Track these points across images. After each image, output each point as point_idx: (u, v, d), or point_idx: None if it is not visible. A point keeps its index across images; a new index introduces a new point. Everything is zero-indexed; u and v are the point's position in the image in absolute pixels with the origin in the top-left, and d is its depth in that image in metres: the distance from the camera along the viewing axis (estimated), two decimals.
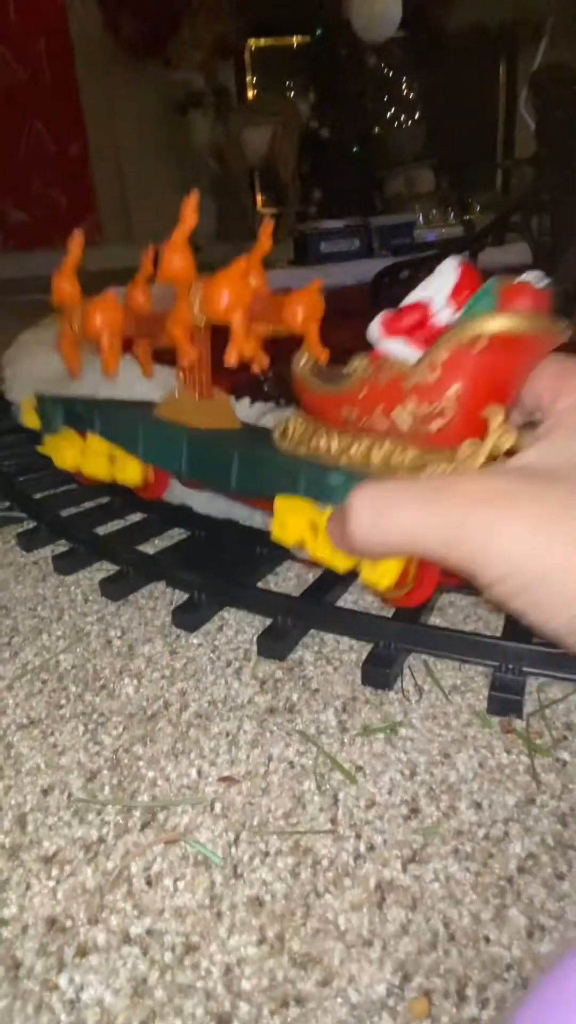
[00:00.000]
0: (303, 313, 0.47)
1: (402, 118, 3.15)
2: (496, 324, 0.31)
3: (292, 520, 0.42)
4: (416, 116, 3.13)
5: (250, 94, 3.20)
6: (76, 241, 0.53)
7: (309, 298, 0.48)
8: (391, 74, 3.03)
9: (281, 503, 0.43)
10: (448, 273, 0.37)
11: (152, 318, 0.52)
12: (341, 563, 0.40)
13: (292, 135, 2.89)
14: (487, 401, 0.34)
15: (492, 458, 0.33)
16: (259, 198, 3.22)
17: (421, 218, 2.27)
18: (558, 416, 0.27)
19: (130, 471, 0.53)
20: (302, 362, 0.41)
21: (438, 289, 0.37)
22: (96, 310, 0.50)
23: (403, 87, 3.05)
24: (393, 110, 3.07)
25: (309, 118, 2.91)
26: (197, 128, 2.91)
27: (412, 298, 0.38)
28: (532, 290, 0.31)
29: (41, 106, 3.12)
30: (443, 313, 0.37)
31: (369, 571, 0.39)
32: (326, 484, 0.39)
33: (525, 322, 0.30)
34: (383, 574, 0.38)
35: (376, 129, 3.13)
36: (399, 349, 0.37)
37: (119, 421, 0.53)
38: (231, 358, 0.44)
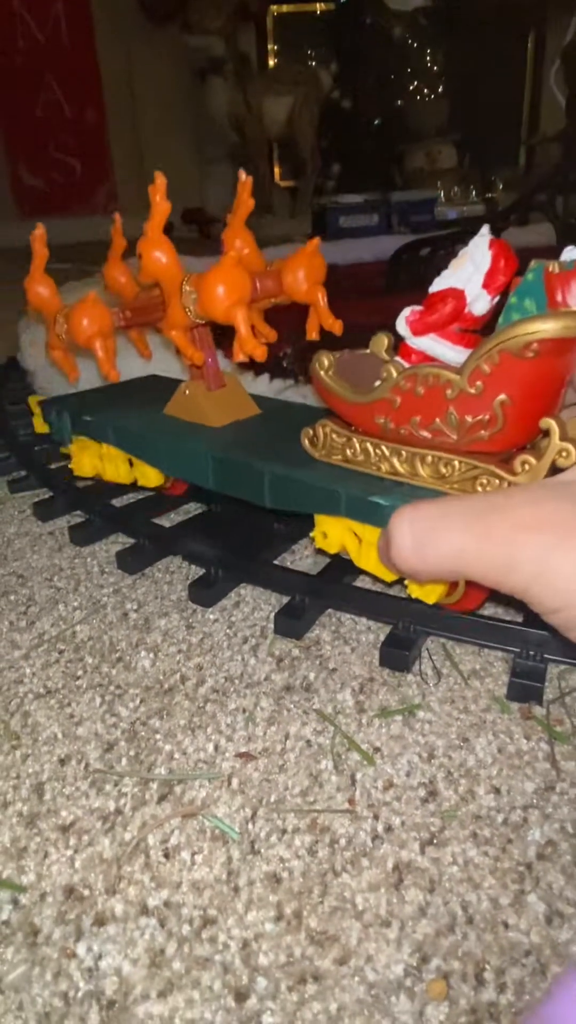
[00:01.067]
0: (305, 278, 0.45)
1: (425, 91, 3.09)
2: (551, 327, 0.28)
3: (333, 530, 0.41)
4: (440, 89, 3.07)
5: (271, 62, 3.13)
6: (40, 238, 0.50)
7: (309, 260, 0.45)
8: (415, 45, 2.96)
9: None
10: (480, 256, 0.33)
11: (142, 307, 0.50)
12: (387, 575, 0.39)
13: (313, 106, 2.84)
14: (538, 404, 0.32)
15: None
16: (277, 170, 3.17)
17: (442, 195, 2.23)
18: None
19: (151, 474, 0.53)
20: (324, 366, 0.39)
21: (470, 275, 0.34)
22: (82, 315, 0.47)
23: (427, 59, 2.98)
24: (416, 82, 3.01)
25: (331, 89, 2.85)
26: (216, 96, 2.85)
27: (441, 284, 0.35)
28: None
29: (58, 69, 3.07)
30: (479, 303, 0.34)
31: (415, 586, 0.38)
32: (371, 506, 0.37)
33: None
34: (429, 591, 0.37)
35: (399, 102, 3.06)
36: (431, 346, 0.35)
37: (136, 433, 0.51)
38: (238, 357, 0.42)
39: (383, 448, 0.38)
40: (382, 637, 0.44)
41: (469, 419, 0.34)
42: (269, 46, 3.14)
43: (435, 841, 0.31)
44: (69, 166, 3.27)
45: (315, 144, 2.83)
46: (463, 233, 1.55)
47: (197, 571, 0.52)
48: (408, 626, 0.42)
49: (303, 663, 0.42)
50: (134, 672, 0.42)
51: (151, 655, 0.44)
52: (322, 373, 0.39)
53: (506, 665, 0.41)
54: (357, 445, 0.39)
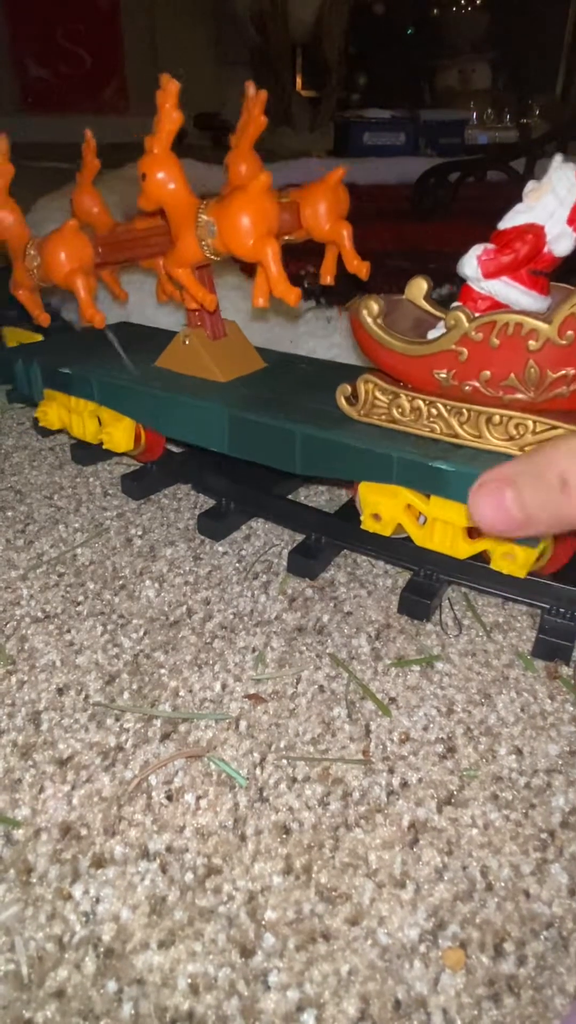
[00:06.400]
0: (328, 213, 0.39)
1: (463, 1, 2.88)
2: None
3: (386, 508, 0.37)
4: (478, 1, 2.86)
5: None
6: (2, 150, 0.43)
7: (332, 192, 0.39)
8: None
9: (367, 487, 0.37)
10: (566, 187, 0.29)
11: (120, 242, 0.44)
12: (464, 550, 0.36)
13: (342, 7, 2.64)
14: None
15: None
16: (298, 78, 2.97)
17: (474, 117, 2.10)
18: None
19: (119, 438, 0.46)
20: (374, 312, 0.34)
21: (553, 210, 0.30)
22: (60, 248, 0.41)
23: None
24: None
25: None
26: None
27: (516, 219, 0.31)
28: None
29: None
30: (563, 241, 0.30)
31: (507, 564, 0.35)
32: (432, 472, 0.33)
33: None
34: (523, 566, 0.34)
35: (434, 11, 2.86)
36: (501, 290, 0.31)
37: (129, 389, 0.44)
38: (261, 301, 0.37)
39: (439, 406, 0.34)
40: (400, 582, 0.42)
41: (551, 374, 0.30)
42: None
43: (453, 801, 0.29)
44: (78, 57, 3.05)
45: (343, 51, 2.64)
46: (497, 159, 1.46)
47: (205, 500, 0.50)
48: (430, 573, 0.39)
49: (316, 604, 0.40)
50: (138, 601, 0.40)
51: (156, 585, 0.41)
52: (370, 321, 0.34)
53: (531, 620, 0.39)
54: (406, 403, 0.35)
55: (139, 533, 0.46)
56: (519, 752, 0.31)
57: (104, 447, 0.47)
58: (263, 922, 0.25)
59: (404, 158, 1.77)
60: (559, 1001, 0.23)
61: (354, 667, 0.36)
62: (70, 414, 0.49)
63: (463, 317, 0.31)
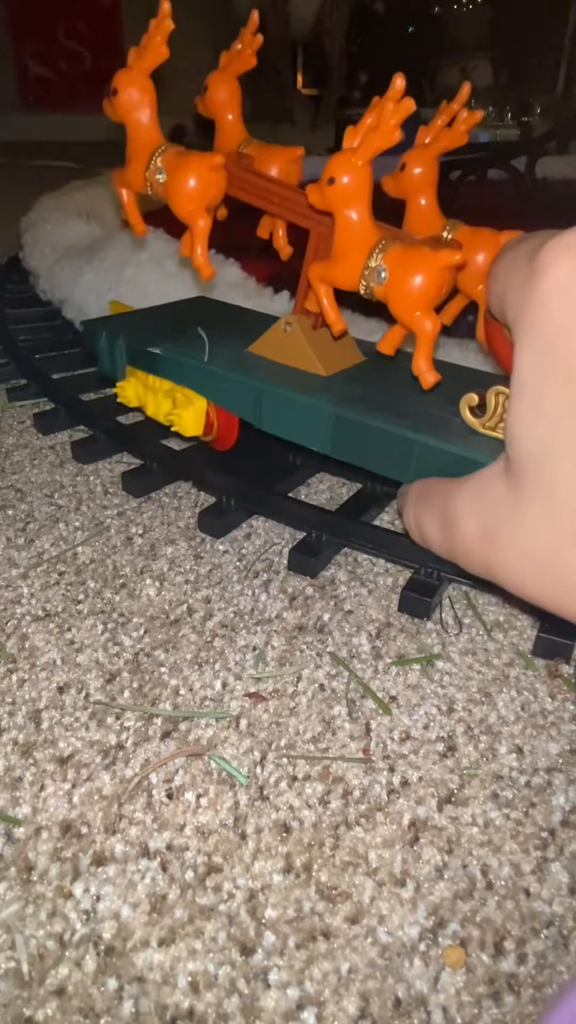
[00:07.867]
0: (487, 265, 0.36)
1: None
2: None
3: None
4: None
5: None
6: (166, 11, 0.39)
7: (498, 249, 0.38)
8: None
9: None
10: None
11: (256, 186, 0.40)
12: None
13: (343, 6, 2.64)
14: None
15: None
16: (299, 77, 2.97)
17: None
18: None
19: (189, 422, 0.44)
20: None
21: None
22: (194, 174, 0.37)
23: None
24: None
25: None
26: None
27: None
28: None
29: None
30: None
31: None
32: None
33: None
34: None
35: (436, 8, 2.86)
36: None
37: (225, 378, 0.42)
38: (388, 349, 0.35)
39: None
40: (401, 581, 0.42)
41: None
42: None
43: (454, 799, 0.29)
44: (79, 56, 3.05)
45: (343, 49, 2.64)
46: (498, 157, 1.45)
47: (206, 498, 0.50)
48: (431, 571, 0.39)
49: (317, 603, 0.40)
50: (138, 600, 0.40)
51: (157, 583, 0.41)
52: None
53: (532, 619, 0.39)
54: None
55: (140, 531, 0.46)
56: (519, 751, 0.31)
57: (172, 430, 0.45)
58: (263, 920, 0.25)
59: None
60: None
61: (355, 666, 0.36)
62: (146, 392, 0.47)
63: None
